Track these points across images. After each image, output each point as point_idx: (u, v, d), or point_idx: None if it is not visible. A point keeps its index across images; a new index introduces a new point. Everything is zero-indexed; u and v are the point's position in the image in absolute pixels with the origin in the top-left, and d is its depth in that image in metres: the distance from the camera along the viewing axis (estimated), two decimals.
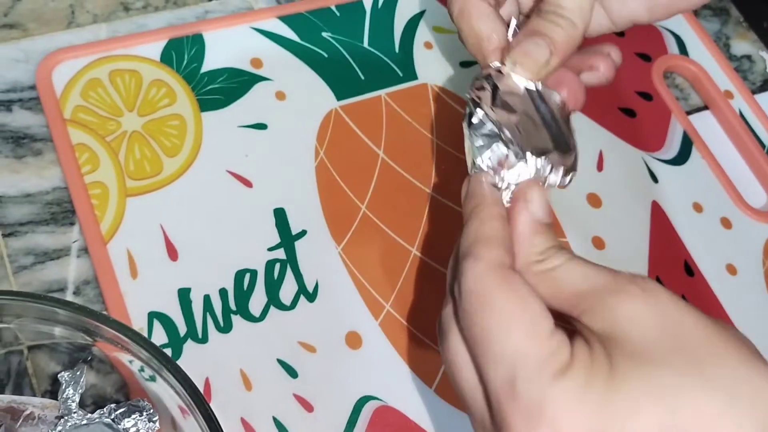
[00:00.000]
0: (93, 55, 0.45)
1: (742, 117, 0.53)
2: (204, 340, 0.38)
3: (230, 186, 0.43)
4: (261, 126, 0.45)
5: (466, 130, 0.32)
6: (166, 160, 0.43)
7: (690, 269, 0.47)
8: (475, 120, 0.32)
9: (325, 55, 0.48)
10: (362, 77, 0.48)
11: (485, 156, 0.32)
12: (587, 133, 0.50)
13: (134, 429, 0.33)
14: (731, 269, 0.47)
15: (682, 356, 0.25)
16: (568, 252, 0.28)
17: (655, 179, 0.49)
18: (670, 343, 0.25)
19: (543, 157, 0.31)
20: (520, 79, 0.34)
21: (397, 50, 0.50)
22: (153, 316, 0.38)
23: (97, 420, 0.33)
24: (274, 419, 0.37)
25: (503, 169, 0.31)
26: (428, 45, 0.50)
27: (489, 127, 0.32)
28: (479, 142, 0.32)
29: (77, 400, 0.34)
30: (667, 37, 0.55)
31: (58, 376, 0.35)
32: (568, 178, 0.32)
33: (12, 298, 0.32)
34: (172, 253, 0.40)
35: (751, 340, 0.27)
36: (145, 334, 0.38)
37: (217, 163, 0.43)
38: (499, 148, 0.31)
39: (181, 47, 0.46)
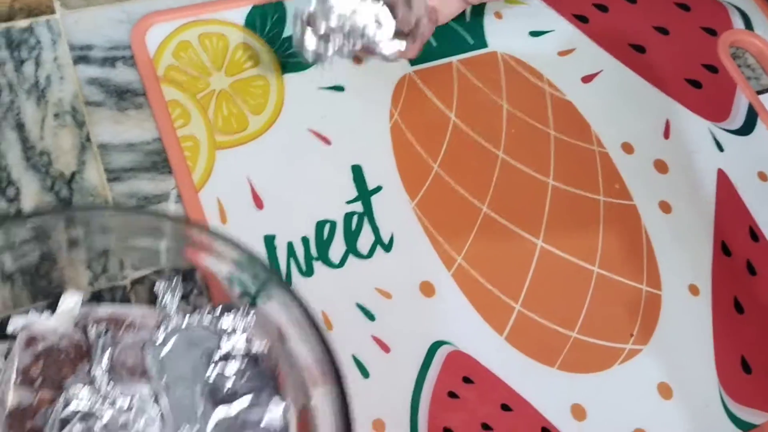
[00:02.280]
0: (183, 18, 0.47)
1: None
2: (288, 283, 0.40)
3: (311, 143, 0.45)
4: (339, 88, 0.47)
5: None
6: (252, 117, 0.45)
7: (755, 235, 0.47)
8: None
9: None
10: (434, 44, 0.50)
11: None
12: (654, 101, 0.51)
13: (231, 327, 0.35)
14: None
15: None
16: None
17: (720, 148, 0.50)
18: None
19: None
20: None
21: (467, 19, 0.51)
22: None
23: (195, 324, 0.35)
24: (354, 357, 0.39)
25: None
26: (498, 15, 0.52)
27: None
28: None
29: (174, 306, 0.36)
30: (732, 12, 0.56)
31: (155, 287, 0.37)
32: None
33: (117, 212, 0.34)
34: (258, 202, 0.42)
35: None
36: None
37: (299, 122, 0.46)
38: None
39: (264, 13, 0.49)
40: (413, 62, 0.49)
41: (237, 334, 0.35)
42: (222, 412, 0.34)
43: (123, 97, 0.45)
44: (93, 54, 0.46)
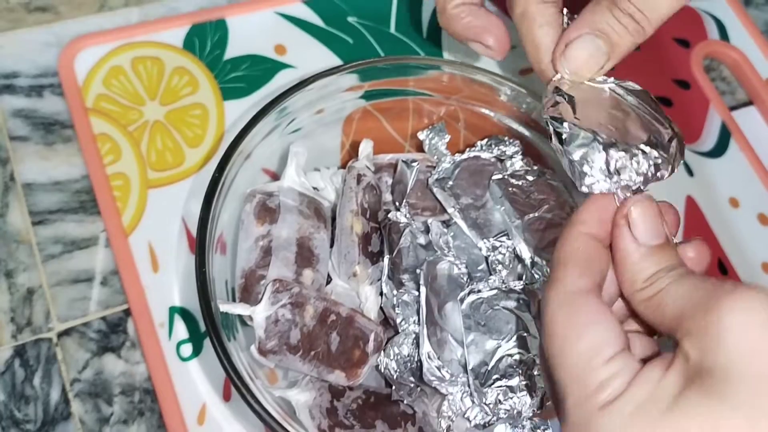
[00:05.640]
0: (115, 41, 0.44)
1: None
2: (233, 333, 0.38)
3: (261, 181, 0.42)
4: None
5: (559, 149, 0.29)
6: (188, 150, 0.42)
7: (724, 267, 0.45)
8: (565, 135, 0.28)
9: (351, 41, 0.47)
10: (386, 67, 0.46)
11: (591, 166, 0.28)
12: None
13: (509, 152, 0.40)
14: (767, 268, 0.46)
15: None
16: (679, 269, 0.26)
17: (690, 173, 0.48)
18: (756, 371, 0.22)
19: (649, 147, 0.28)
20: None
21: (424, 36, 0.48)
22: (174, 311, 0.38)
23: (472, 157, 0.40)
24: None
25: (616, 175, 0.27)
26: None
27: (582, 135, 0.28)
28: (577, 155, 0.28)
29: (444, 146, 0.41)
30: (707, 21, 0.53)
31: (418, 135, 0.41)
32: (675, 166, 0.29)
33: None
34: (194, 246, 0.40)
35: None
36: (166, 330, 0.38)
37: (249, 159, 0.42)
38: (602, 153, 0.28)
39: (203, 33, 0.45)
40: (368, 97, 0.45)
41: (516, 157, 0.39)
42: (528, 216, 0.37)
43: (50, 130, 0.42)
44: (19, 82, 0.43)
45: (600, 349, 0.25)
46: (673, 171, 0.28)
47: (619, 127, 0.29)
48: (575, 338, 0.25)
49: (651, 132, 0.29)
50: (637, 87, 0.31)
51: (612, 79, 0.32)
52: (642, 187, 0.28)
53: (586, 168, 0.28)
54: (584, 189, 0.28)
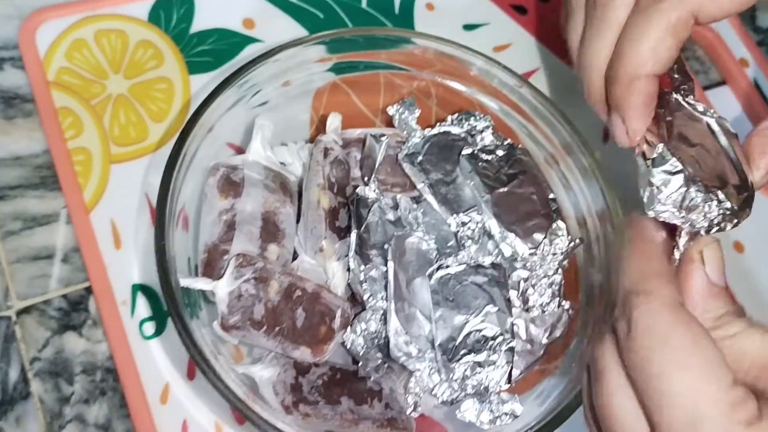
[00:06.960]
0: (78, 14, 0.43)
1: (756, 86, 0.51)
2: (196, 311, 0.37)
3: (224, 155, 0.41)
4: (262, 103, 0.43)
5: (642, 165, 0.29)
6: (152, 125, 0.41)
7: None
8: (655, 155, 0.29)
9: (321, 16, 0.46)
10: (360, 40, 0.46)
11: (668, 195, 0.28)
12: None
13: (479, 126, 0.40)
14: (738, 246, 0.45)
15: None
16: (745, 318, 0.26)
17: None
18: None
19: (724, 196, 0.28)
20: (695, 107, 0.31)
21: (396, 12, 0.47)
22: (137, 288, 0.37)
23: (441, 132, 0.39)
24: None
25: (685, 211, 0.28)
26: (430, 6, 0.48)
27: (671, 162, 0.29)
28: (659, 179, 0.29)
29: (414, 121, 0.40)
30: None
31: (387, 110, 0.40)
32: (740, 221, 0.29)
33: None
34: None
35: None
36: (129, 308, 0.37)
37: (211, 133, 0.41)
38: (683, 188, 0.28)
39: (169, 6, 0.44)
40: (338, 70, 0.44)
41: (486, 132, 0.38)
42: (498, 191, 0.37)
43: (10, 103, 0.41)
44: None
45: (723, 367, 0.24)
46: (735, 225, 0.29)
47: (706, 166, 0.29)
48: (698, 350, 0.24)
49: (731, 181, 0.29)
50: (732, 129, 0.31)
51: (713, 111, 0.31)
52: (702, 232, 0.28)
53: (662, 195, 0.28)
54: (651, 213, 0.28)
